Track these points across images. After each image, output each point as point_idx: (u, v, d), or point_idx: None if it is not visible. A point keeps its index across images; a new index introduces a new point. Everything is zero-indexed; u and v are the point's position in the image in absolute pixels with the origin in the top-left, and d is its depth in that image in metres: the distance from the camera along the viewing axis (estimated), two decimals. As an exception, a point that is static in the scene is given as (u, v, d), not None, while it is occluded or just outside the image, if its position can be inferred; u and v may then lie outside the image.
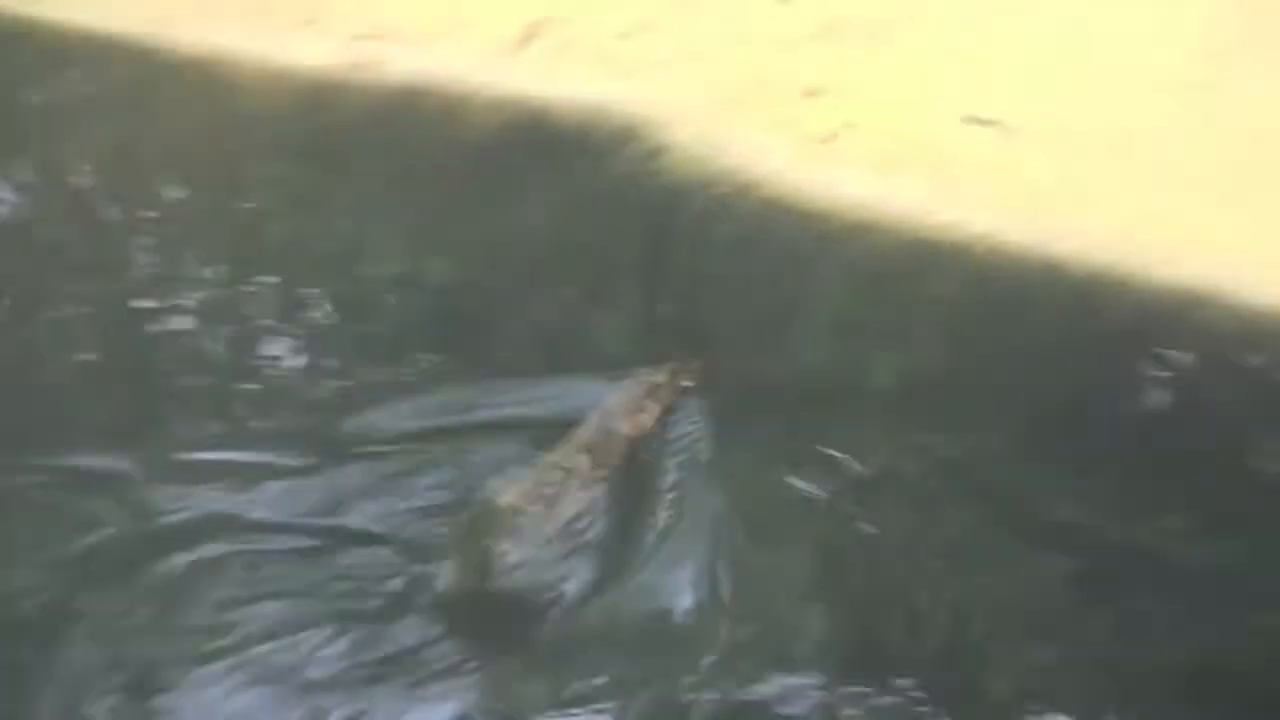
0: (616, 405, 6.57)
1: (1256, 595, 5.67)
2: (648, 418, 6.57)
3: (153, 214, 7.63)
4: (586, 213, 7.62)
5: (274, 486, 6.16)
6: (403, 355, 6.79)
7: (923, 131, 7.69)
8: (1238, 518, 5.94)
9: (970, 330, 6.88)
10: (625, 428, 6.51)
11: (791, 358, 6.79)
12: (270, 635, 5.64)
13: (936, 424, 6.34)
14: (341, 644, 5.63)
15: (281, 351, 6.83)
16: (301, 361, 6.79)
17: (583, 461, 6.33)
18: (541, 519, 6.08)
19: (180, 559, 5.85)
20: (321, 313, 7.04)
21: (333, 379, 6.70)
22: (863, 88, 7.95)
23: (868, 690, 5.41)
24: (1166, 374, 6.61)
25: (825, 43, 8.17)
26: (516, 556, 5.97)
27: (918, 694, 5.38)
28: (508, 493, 6.11)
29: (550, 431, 6.30)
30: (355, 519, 6.07)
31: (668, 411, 6.58)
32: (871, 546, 5.88)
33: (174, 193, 7.71)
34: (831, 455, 6.20)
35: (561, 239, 7.51)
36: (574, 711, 5.39)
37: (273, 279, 7.17)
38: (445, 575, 5.92)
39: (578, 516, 6.16)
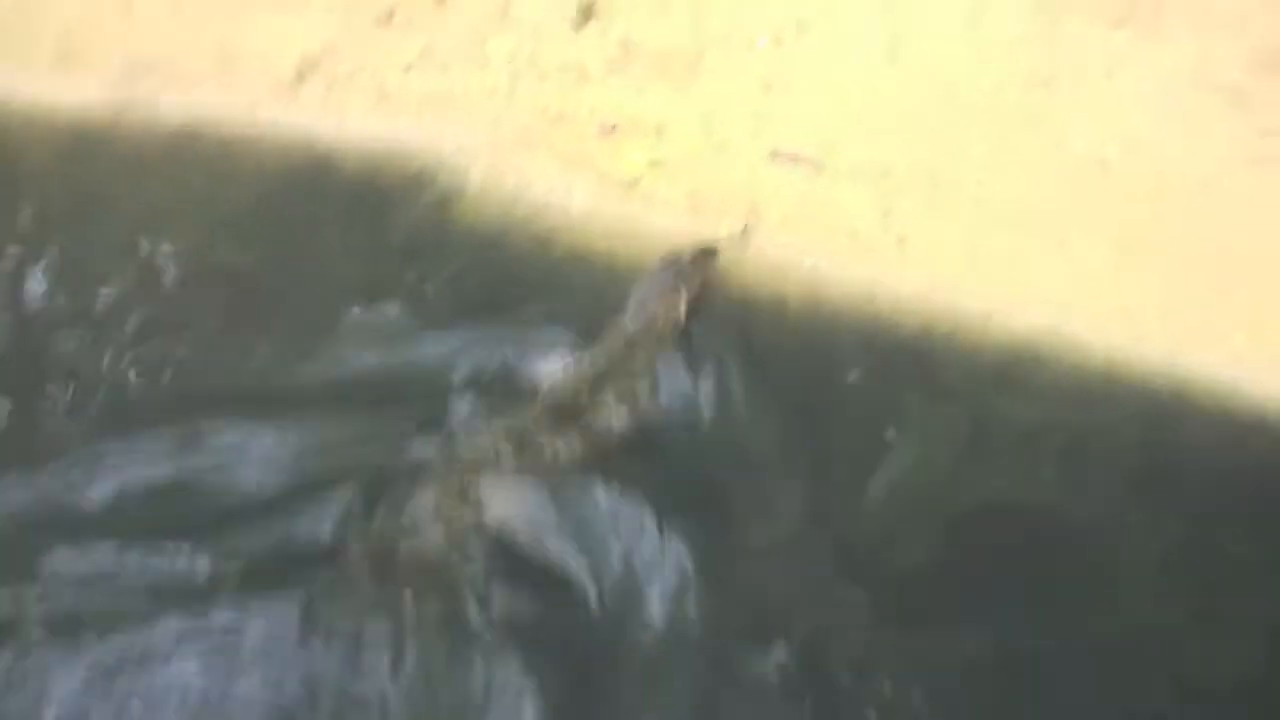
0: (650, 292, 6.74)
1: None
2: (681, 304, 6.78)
3: None
4: (376, 266, 7.15)
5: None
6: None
7: (732, 170, 7.35)
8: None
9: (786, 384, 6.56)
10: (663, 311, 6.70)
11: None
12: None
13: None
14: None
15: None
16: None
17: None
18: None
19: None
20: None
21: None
22: (666, 123, 7.57)
23: None
24: (1002, 437, 6.36)
25: (624, 74, 7.77)
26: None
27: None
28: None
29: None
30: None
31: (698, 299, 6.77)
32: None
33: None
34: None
35: (349, 295, 7.01)
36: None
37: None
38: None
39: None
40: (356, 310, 6.94)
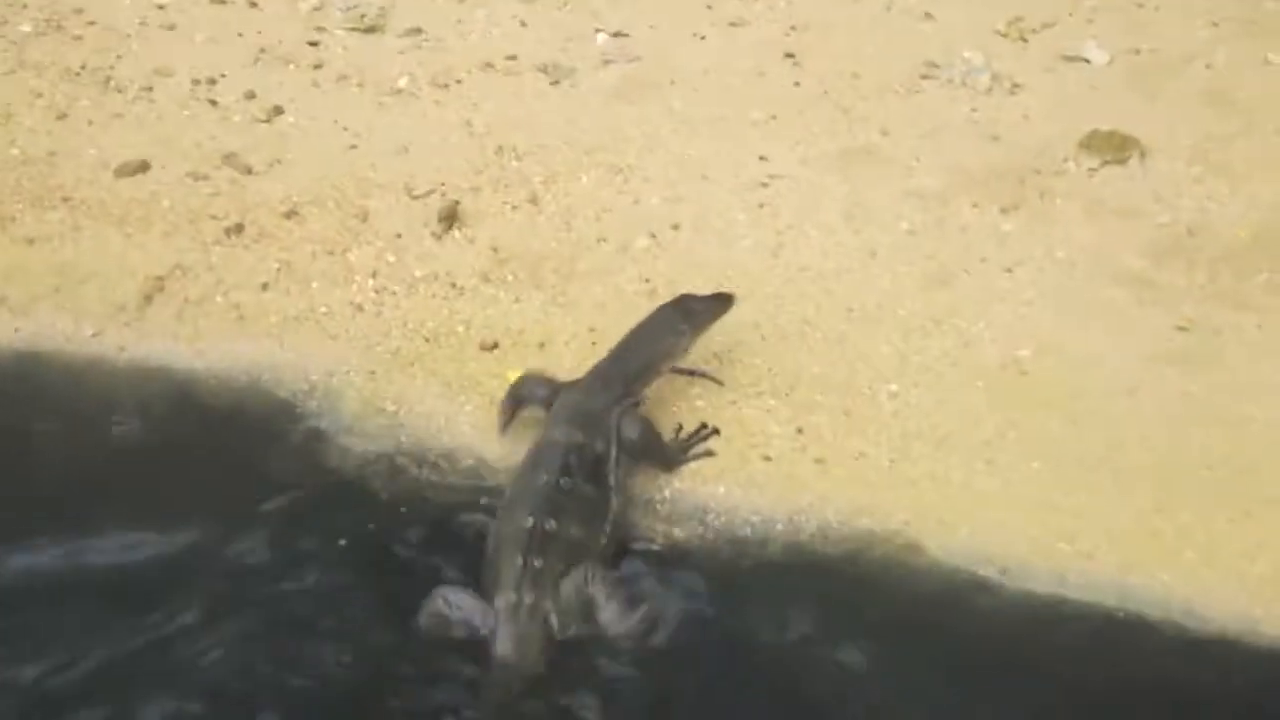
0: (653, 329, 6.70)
1: None
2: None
3: None
4: (242, 504, 6.53)
5: None
6: None
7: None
8: None
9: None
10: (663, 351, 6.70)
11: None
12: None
13: None
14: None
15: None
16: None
17: None
18: None
19: None
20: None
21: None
22: (550, 335, 7.19)
23: None
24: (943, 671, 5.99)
25: (497, 283, 7.37)
26: None
27: None
28: None
29: None
30: None
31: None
32: None
33: None
34: None
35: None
36: None
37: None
38: None
39: None
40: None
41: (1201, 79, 8.24)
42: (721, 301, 6.87)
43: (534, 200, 7.70)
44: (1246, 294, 7.20)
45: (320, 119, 8.11)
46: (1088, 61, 8.32)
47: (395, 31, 8.59)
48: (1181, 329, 7.02)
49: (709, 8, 8.68)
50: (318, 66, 8.36)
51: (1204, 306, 7.17)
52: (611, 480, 6.40)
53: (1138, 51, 8.35)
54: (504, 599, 6.02)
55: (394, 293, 7.38)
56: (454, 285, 7.39)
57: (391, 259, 7.50)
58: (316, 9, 8.64)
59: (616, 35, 8.49)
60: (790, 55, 8.40)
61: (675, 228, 7.55)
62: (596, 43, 8.51)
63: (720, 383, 6.93)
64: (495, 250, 7.52)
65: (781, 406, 6.81)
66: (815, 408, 6.79)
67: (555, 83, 8.30)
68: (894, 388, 6.87)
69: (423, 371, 7.06)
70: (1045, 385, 6.89)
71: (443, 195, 7.71)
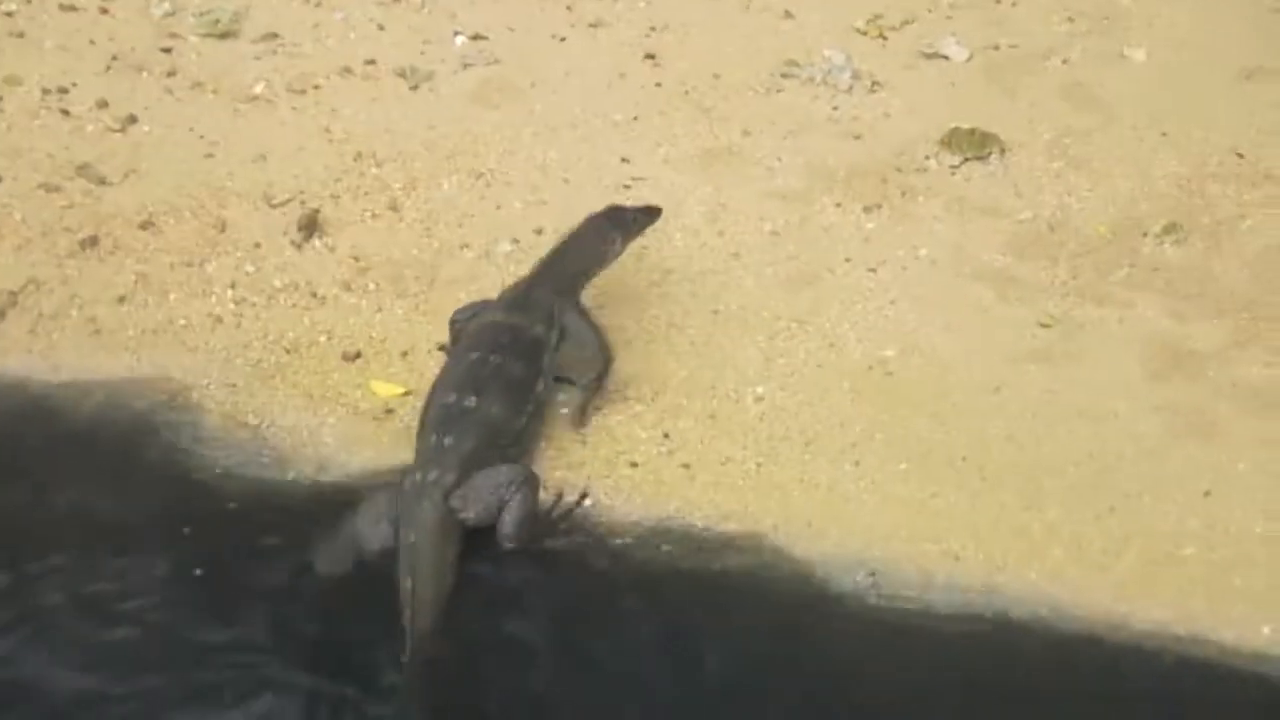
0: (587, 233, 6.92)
1: None
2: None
3: None
4: (102, 522, 6.45)
5: None
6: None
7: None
8: None
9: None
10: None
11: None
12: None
13: None
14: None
15: None
16: None
17: None
18: None
19: None
20: None
21: None
22: (413, 344, 7.15)
23: None
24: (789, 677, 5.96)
25: (358, 292, 7.30)
26: None
27: None
28: None
29: None
30: None
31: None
32: None
33: None
34: None
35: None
36: None
37: None
38: None
39: None
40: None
41: (1060, 74, 8.30)
42: (651, 213, 7.07)
43: (395, 207, 7.63)
44: (1108, 289, 7.25)
45: (175, 127, 7.99)
46: (947, 58, 8.36)
47: (250, 37, 8.47)
48: (1044, 325, 7.07)
49: (568, 9, 8.63)
50: (171, 74, 8.24)
51: (1066, 302, 7.21)
52: (544, 362, 6.61)
53: (996, 47, 8.39)
54: (409, 479, 6.21)
55: (254, 304, 7.29)
56: (315, 295, 7.31)
57: (251, 269, 7.40)
58: (169, 15, 8.51)
59: (475, 38, 8.43)
60: (651, 56, 8.37)
61: (538, 232, 7.51)
62: (455, 46, 8.44)
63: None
64: (356, 259, 7.44)
65: (648, 411, 6.80)
66: (681, 412, 6.77)
67: (414, 87, 8.22)
68: (760, 390, 6.86)
69: (284, 383, 6.99)
70: (911, 385, 6.91)
71: (302, 204, 7.62)
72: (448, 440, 6.27)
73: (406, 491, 6.20)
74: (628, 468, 6.57)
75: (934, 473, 6.52)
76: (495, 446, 6.35)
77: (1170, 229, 7.41)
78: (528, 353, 6.58)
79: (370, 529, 6.22)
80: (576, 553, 6.34)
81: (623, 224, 7.01)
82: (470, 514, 6.21)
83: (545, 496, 6.42)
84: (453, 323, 6.93)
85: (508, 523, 6.22)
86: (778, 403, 6.81)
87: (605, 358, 6.82)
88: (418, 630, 5.88)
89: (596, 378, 6.81)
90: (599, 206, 7.17)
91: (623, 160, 7.87)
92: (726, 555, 6.33)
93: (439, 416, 6.34)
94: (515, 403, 6.46)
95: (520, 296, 6.78)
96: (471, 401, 6.36)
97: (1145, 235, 7.45)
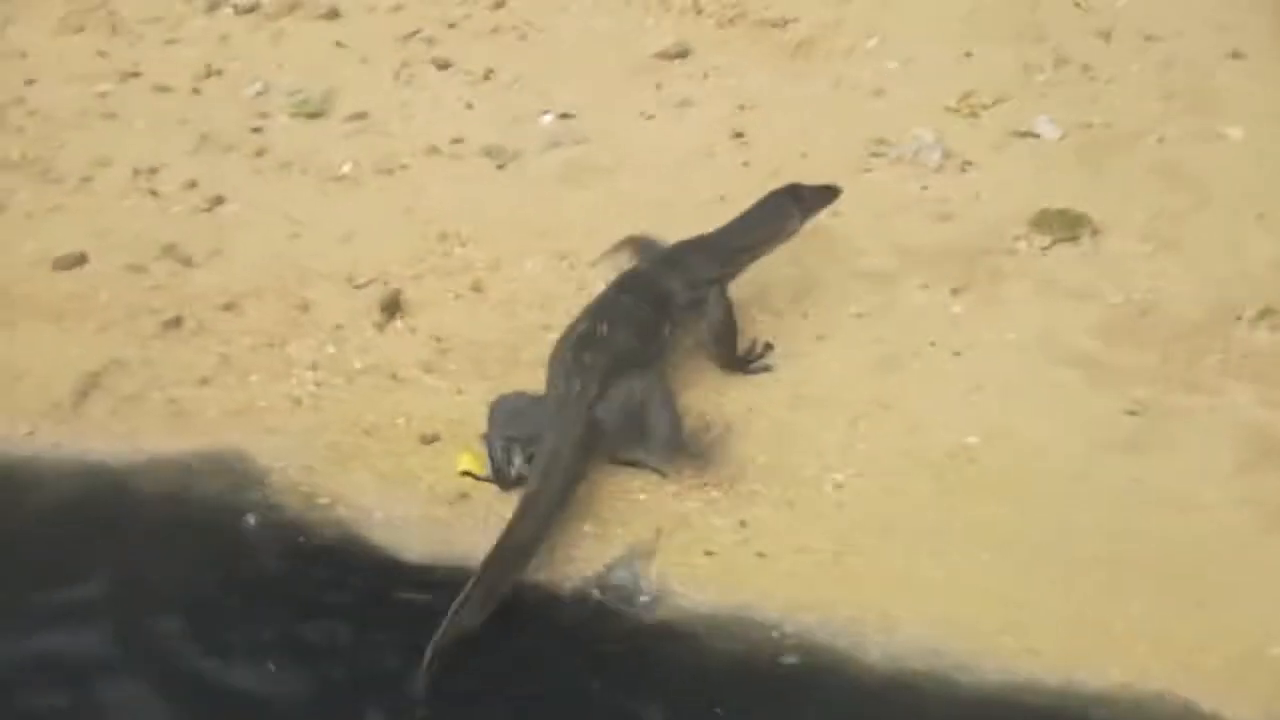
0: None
1: None
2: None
3: None
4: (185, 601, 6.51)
5: None
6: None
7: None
8: None
9: None
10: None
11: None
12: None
13: None
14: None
15: None
16: None
17: None
18: None
19: None
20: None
21: None
22: (493, 432, 6.99)
23: None
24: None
25: (439, 374, 7.31)
26: None
27: None
28: None
29: None
30: None
31: None
32: None
33: None
34: None
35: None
36: None
37: None
38: None
39: None
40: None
41: (1154, 153, 8.13)
42: (831, 191, 7.31)
43: (477, 288, 7.59)
44: (1198, 376, 7.08)
45: (262, 207, 8.01)
46: (1039, 137, 8.22)
47: (339, 116, 8.48)
48: (1132, 413, 6.90)
49: (658, 87, 8.59)
50: (260, 153, 8.26)
51: (1155, 389, 7.04)
52: (674, 313, 6.93)
53: (1090, 126, 8.24)
54: (553, 392, 6.61)
55: (334, 385, 7.30)
56: (394, 377, 7.30)
57: (332, 350, 7.40)
58: (260, 94, 8.55)
59: (563, 116, 8.39)
60: (739, 134, 8.30)
61: (620, 315, 7.38)
62: (543, 124, 8.40)
63: (664, 474, 6.79)
64: (437, 340, 7.42)
65: (724, 498, 6.70)
66: (759, 499, 6.69)
67: (501, 166, 8.20)
68: (839, 477, 6.76)
69: (361, 466, 6.97)
70: (994, 472, 6.78)
71: (385, 284, 7.59)
72: (587, 357, 6.60)
73: (551, 399, 6.60)
74: (702, 556, 6.46)
75: (1015, 563, 6.39)
76: (631, 369, 6.65)
77: (1265, 314, 7.24)
78: (658, 301, 6.88)
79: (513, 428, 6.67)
80: (640, 644, 6.21)
81: (802, 201, 7.24)
82: (611, 428, 6.59)
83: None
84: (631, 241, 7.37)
85: (657, 438, 6.69)
86: (857, 490, 6.70)
87: (731, 354, 7.11)
88: (515, 538, 6.25)
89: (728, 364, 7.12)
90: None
91: (711, 241, 7.75)
92: (801, 646, 6.18)
93: (576, 340, 6.69)
94: (642, 337, 6.77)
95: (679, 255, 7.10)
96: (604, 330, 6.69)
97: (1239, 320, 7.25)
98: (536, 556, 6.39)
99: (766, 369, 7.17)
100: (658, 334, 6.85)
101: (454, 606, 6.07)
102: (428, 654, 6.01)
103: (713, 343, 7.09)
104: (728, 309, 7.09)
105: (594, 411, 6.57)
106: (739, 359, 7.14)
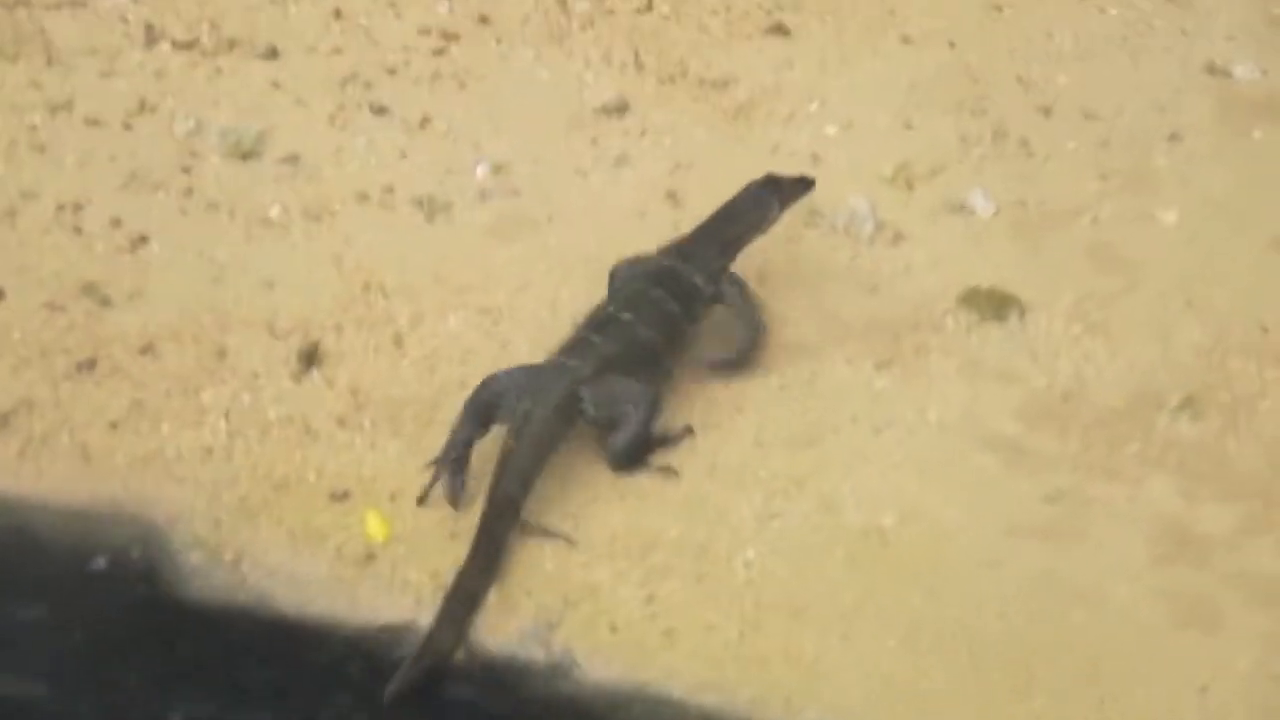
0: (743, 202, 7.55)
1: None
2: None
3: None
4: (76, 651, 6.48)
5: None
6: None
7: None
8: None
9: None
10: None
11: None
12: None
13: None
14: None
15: None
16: None
17: None
18: None
19: None
20: None
21: None
22: (403, 487, 6.97)
23: None
24: None
25: (353, 429, 7.20)
26: None
27: None
28: None
29: None
30: None
31: None
32: None
33: None
34: None
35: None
36: None
37: None
38: None
39: None
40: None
41: (1087, 234, 8.10)
42: (806, 182, 7.63)
43: (398, 342, 7.52)
44: (1118, 464, 7.06)
45: (186, 249, 7.91)
46: (973, 212, 8.16)
47: (271, 158, 8.37)
48: (1050, 500, 6.89)
49: (594, 142, 8.51)
50: (188, 193, 8.16)
51: (1074, 476, 7.02)
52: (698, 309, 7.21)
53: (1024, 203, 8.21)
54: (549, 362, 6.89)
55: (246, 436, 7.21)
56: (308, 429, 7.22)
57: (246, 399, 7.32)
58: (192, 132, 8.43)
59: (497, 168, 8.31)
60: (672, 195, 8.23)
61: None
62: (476, 176, 8.30)
63: (573, 542, 6.72)
64: (354, 393, 7.34)
65: (634, 569, 6.62)
66: (669, 572, 6.63)
67: (430, 217, 8.10)
68: (751, 554, 6.71)
69: (269, 521, 6.89)
70: (907, 555, 6.73)
71: (305, 334, 7.50)
72: (595, 338, 6.87)
73: (543, 369, 6.83)
74: (608, 631, 6.39)
75: (922, 651, 6.35)
76: (636, 363, 6.87)
77: (1187, 403, 7.22)
78: (685, 295, 7.13)
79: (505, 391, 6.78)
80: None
81: (780, 191, 7.50)
82: (590, 410, 6.76)
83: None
84: (613, 274, 7.33)
85: (620, 439, 6.79)
86: (768, 568, 6.65)
87: (761, 329, 7.34)
88: (499, 494, 6.55)
89: (750, 349, 7.33)
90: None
91: (634, 300, 7.69)
92: (700, 725, 6.09)
93: (594, 320, 6.97)
94: (665, 332, 7.00)
95: (684, 249, 7.34)
96: (627, 317, 6.91)
97: (1162, 409, 7.22)
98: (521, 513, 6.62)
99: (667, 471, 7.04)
100: (680, 333, 7.14)
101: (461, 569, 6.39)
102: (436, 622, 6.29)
103: (745, 327, 7.36)
104: (746, 285, 7.43)
105: (579, 389, 6.77)
106: (659, 438, 7.07)
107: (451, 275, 7.90)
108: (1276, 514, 6.91)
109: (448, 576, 6.55)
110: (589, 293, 7.59)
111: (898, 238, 8.11)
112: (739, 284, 7.36)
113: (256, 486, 7.00)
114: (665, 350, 7.04)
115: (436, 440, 7.03)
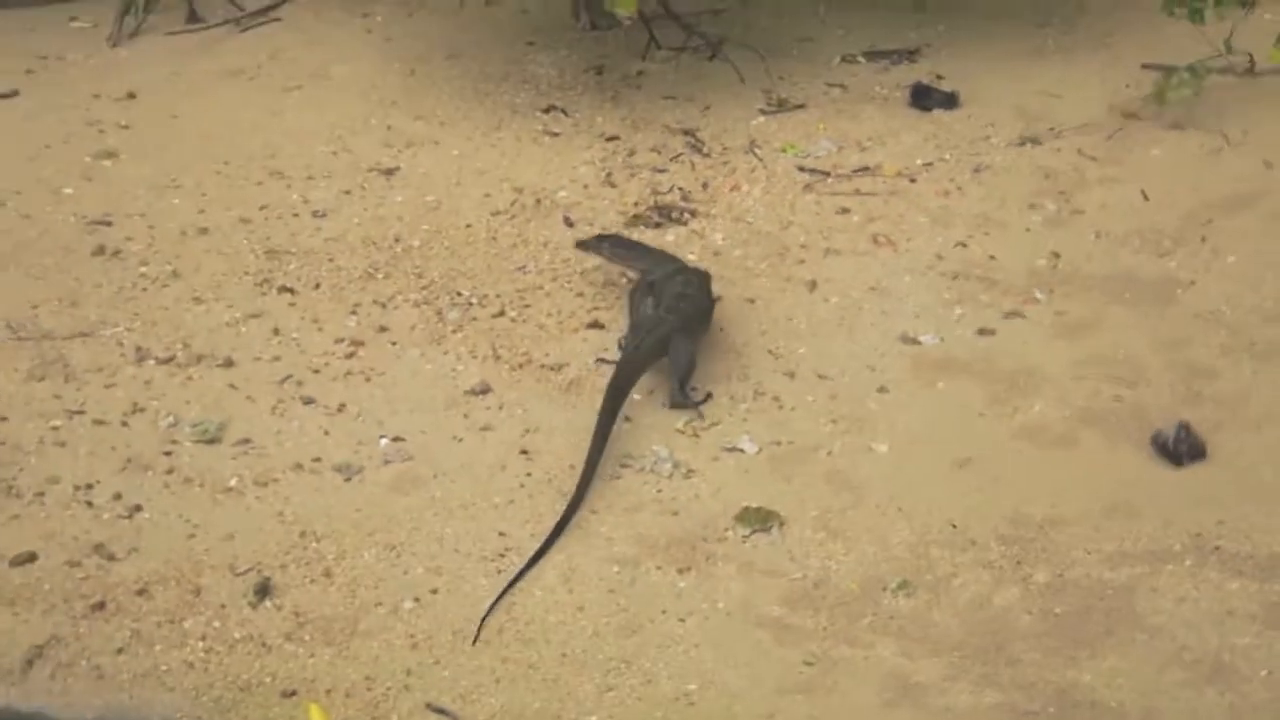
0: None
1: None
2: None
3: None
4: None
5: None
6: None
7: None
8: None
9: None
10: None
11: None
12: None
13: None
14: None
15: None
16: None
17: None
18: None
19: None
20: None
21: None
22: (334, 684, 7.16)
23: None
24: None
25: (297, 642, 7.33)
26: None
27: None
28: None
29: None
30: None
31: None
32: None
33: None
34: None
35: None
36: None
37: None
38: None
39: None
40: None
41: (825, 464, 8.43)
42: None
43: (328, 574, 7.69)
44: (856, 633, 7.33)
45: (169, 514, 8.05)
46: (743, 451, 8.48)
47: (230, 442, 8.54)
48: (808, 664, 7.11)
49: (466, 416, 8.76)
50: (170, 471, 8.31)
51: (824, 644, 7.28)
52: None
53: (779, 443, 8.53)
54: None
55: (218, 652, 7.32)
56: (264, 644, 7.35)
57: (217, 625, 7.44)
58: (172, 425, 8.60)
59: (395, 440, 8.52)
60: (525, 452, 8.48)
61: (433, 592, 7.59)
62: (380, 447, 8.51)
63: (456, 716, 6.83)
64: (296, 615, 7.48)
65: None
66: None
67: (348, 479, 8.30)
68: None
69: (236, 715, 7.03)
70: (706, 714, 6.93)
71: (258, 573, 7.65)
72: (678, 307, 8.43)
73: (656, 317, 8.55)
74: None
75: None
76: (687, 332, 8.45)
77: (902, 585, 7.53)
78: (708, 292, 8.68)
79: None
80: None
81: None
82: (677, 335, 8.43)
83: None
84: (644, 272, 8.70)
85: (675, 380, 8.57)
86: (606, 732, 6.76)
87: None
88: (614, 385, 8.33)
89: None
90: (480, 570, 7.58)
91: (500, 534, 7.96)
92: None
93: (642, 322, 8.59)
94: (696, 329, 8.63)
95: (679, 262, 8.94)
96: (690, 293, 8.51)
97: (885, 590, 7.51)
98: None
99: None
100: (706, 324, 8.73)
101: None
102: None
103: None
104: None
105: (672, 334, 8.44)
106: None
107: (365, 522, 8.08)
108: (969, 662, 7.16)
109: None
110: (465, 530, 7.85)
111: (689, 473, 8.39)
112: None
113: (227, 690, 7.12)
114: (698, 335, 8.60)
115: (358, 647, 7.16)
